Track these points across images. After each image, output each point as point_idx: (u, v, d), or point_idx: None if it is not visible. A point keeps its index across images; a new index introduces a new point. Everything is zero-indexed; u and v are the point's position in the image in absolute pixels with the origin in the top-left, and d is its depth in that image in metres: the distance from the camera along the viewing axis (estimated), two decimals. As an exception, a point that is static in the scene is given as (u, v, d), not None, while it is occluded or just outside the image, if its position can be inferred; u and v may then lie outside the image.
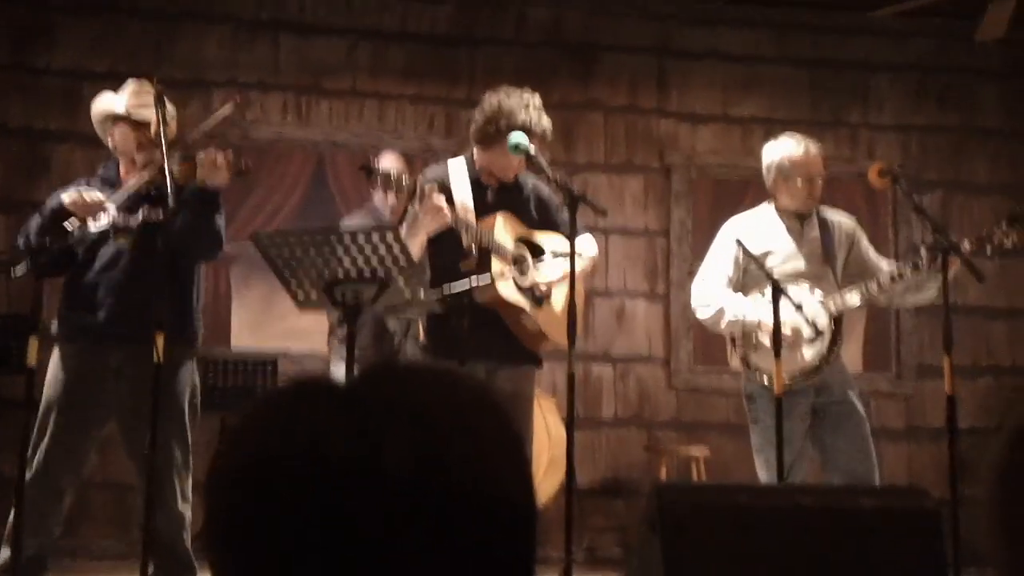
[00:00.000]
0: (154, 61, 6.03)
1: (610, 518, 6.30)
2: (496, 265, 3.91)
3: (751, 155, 4.91)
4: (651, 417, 6.46)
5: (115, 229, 3.80)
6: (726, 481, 5.91)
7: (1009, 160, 6.94)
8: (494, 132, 4.00)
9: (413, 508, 0.81)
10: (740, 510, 2.62)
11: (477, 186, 4.08)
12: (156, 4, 6.31)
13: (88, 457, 3.89)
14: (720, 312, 4.35)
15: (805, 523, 2.65)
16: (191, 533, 3.92)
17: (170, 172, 3.54)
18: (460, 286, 3.67)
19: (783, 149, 4.44)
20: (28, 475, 3.63)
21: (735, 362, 4.43)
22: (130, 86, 4.00)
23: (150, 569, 3.52)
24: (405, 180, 3.77)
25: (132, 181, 3.86)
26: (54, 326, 3.89)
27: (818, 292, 4.33)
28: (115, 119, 3.98)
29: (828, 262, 4.43)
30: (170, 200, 3.49)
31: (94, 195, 3.79)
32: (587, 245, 4.22)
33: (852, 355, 6.02)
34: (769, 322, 4.05)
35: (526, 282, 4.01)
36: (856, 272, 4.45)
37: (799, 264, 4.39)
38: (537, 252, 4.07)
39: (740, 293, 4.40)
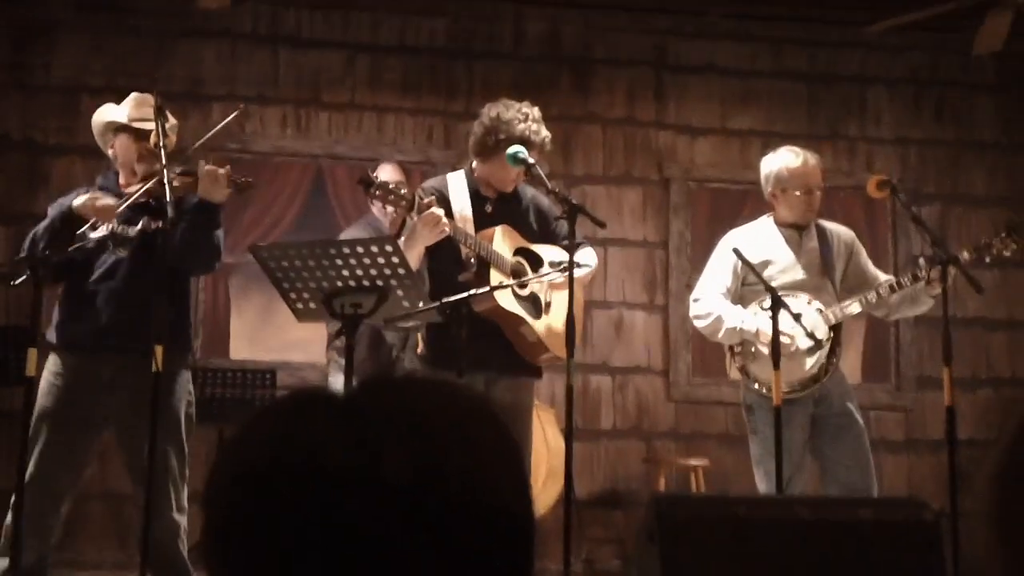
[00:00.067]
0: (152, 75, 6.04)
1: (609, 529, 6.29)
2: (495, 276, 3.91)
3: (749, 167, 4.93)
4: (650, 428, 6.45)
5: (114, 239, 3.80)
6: (725, 492, 5.90)
7: (1006, 172, 6.95)
8: (493, 144, 4.01)
9: (411, 518, 0.81)
10: (739, 521, 2.62)
11: (476, 198, 4.09)
12: (155, 18, 6.32)
13: (84, 466, 3.88)
14: (718, 321, 4.35)
15: (804, 534, 2.64)
16: (188, 543, 3.92)
17: (169, 184, 3.55)
18: (459, 297, 3.68)
19: (781, 161, 4.45)
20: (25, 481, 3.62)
21: (734, 372, 4.44)
22: (132, 97, 4.02)
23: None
24: (404, 192, 3.78)
25: (132, 188, 3.87)
26: (48, 335, 3.89)
27: (816, 303, 4.33)
28: (116, 129, 3.99)
29: (827, 273, 4.44)
30: (169, 211, 3.49)
31: (107, 200, 3.80)
32: (587, 257, 4.23)
33: (851, 366, 6.01)
34: (767, 332, 4.06)
35: (525, 293, 4.01)
36: (855, 284, 4.46)
37: (798, 275, 4.39)
38: (536, 263, 4.07)
39: (738, 305, 4.40)
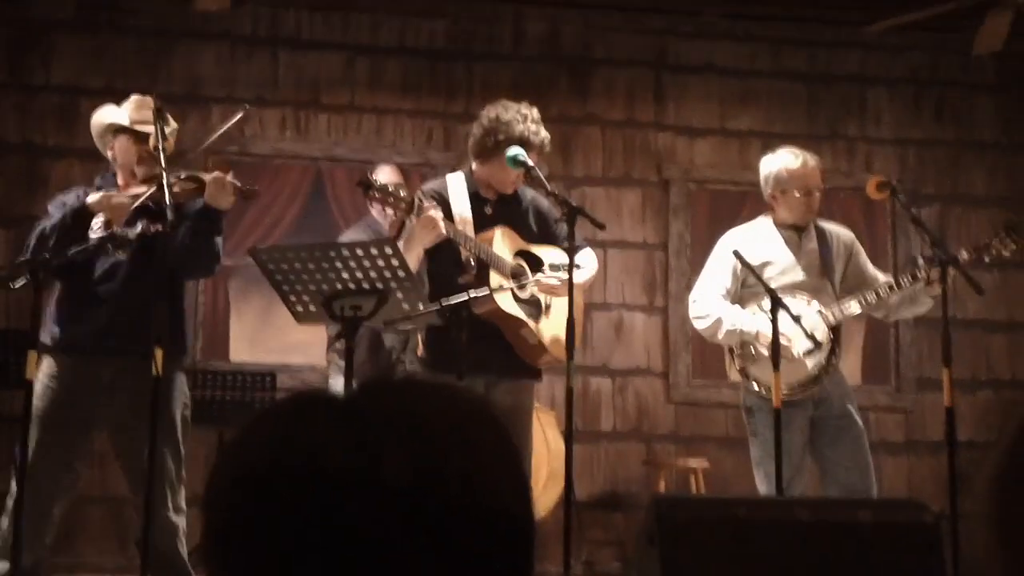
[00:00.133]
0: (151, 77, 6.05)
1: (609, 531, 6.29)
2: (494, 278, 3.91)
3: (748, 168, 4.93)
4: (650, 430, 6.45)
5: (113, 241, 3.80)
6: (725, 494, 5.90)
7: (1006, 172, 6.95)
8: (492, 145, 4.01)
9: (411, 520, 0.81)
10: (738, 523, 2.62)
11: (476, 199, 4.09)
12: (153, 20, 6.32)
13: (78, 468, 3.88)
14: (718, 323, 4.35)
15: (803, 536, 2.64)
16: (189, 546, 3.92)
17: (169, 187, 3.55)
18: (458, 299, 3.68)
19: (781, 162, 4.45)
20: (15, 487, 3.62)
21: (734, 374, 4.43)
22: (133, 99, 4.01)
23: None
24: (403, 194, 3.78)
25: (138, 190, 3.86)
26: (42, 336, 3.87)
27: (816, 304, 4.33)
28: (116, 131, 3.98)
29: (826, 274, 4.43)
30: (168, 214, 3.49)
31: (121, 198, 3.80)
32: (587, 259, 4.22)
33: (851, 368, 6.02)
34: (767, 333, 4.05)
35: (525, 295, 4.01)
36: (854, 284, 4.46)
37: (797, 276, 4.39)
38: (536, 265, 4.07)
39: (737, 305, 4.40)
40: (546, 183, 3.87)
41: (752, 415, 4.37)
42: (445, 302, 3.65)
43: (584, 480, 6.10)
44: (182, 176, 3.82)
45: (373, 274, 3.44)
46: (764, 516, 2.72)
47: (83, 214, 3.77)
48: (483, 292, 3.77)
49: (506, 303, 3.91)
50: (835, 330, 4.33)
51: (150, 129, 3.80)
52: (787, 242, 4.45)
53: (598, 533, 6.24)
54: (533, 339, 4.00)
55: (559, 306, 4.02)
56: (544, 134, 4.06)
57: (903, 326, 6.56)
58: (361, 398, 0.89)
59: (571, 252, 3.73)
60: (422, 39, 6.59)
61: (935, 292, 4.25)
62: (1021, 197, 6.84)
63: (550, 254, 4.12)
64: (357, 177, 4.05)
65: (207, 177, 3.81)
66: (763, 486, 4.30)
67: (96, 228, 3.75)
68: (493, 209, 4.11)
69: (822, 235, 4.50)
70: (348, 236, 5.18)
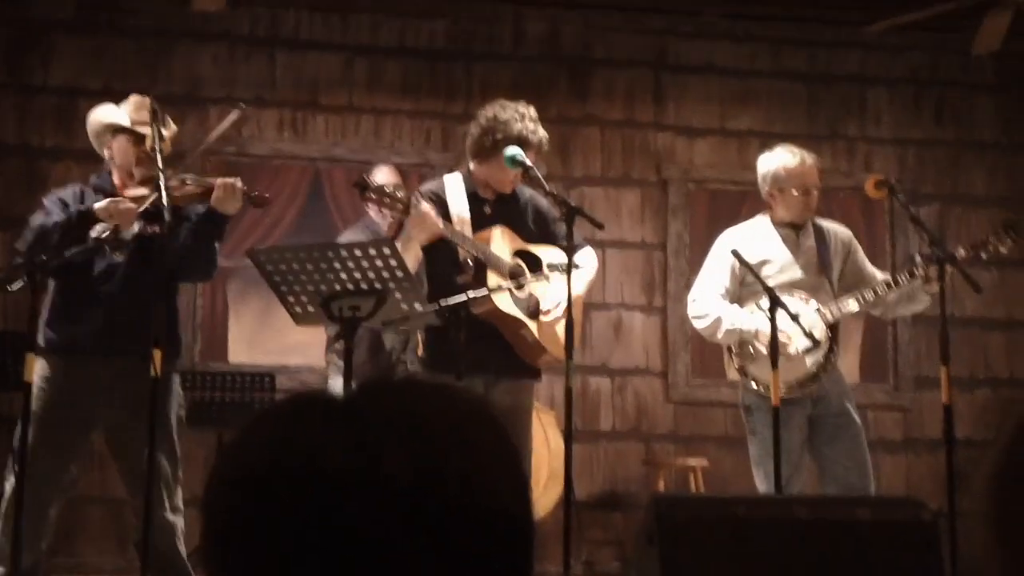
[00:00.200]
0: (149, 78, 6.04)
1: (608, 531, 6.29)
2: (492, 278, 3.91)
3: (748, 168, 4.92)
4: (649, 430, 6.45)
5: (110, 242, 3.80)
6: (724, 493, 5.90)
7: (1006, 172, 6.95)
8: (490, 145, 4.01)
9: (411, 521, 0.81)
10: (738, 521, 2.63)
11: (474, 200, 4.08)
12: (151, 21, 6.32)
13: (73, 469, 3.87)
14: (717, 322, 4.35)
15: (803, 534, 2.65)
16: (188, 547, 3.92)
17: (167, 189, 3.55)
18: (456, 299, 3.68)
19: (779, 160, 4.45)
20: (11, 488, 3.62)
21: (732, 373, 4.44)
22: (133, 99, 4.00)
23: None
24: (400, 195, 3.78)
25: (132, 192, 3.86)
26: (39, 338, 3.86)
27: (814, 302, 4.33)
28: (116, 130, 3.97)
29: (824, 272, 4.44)
30: (165, 215, 3.49)
31: (128, 204, 3.79)
32: (588, 259, 4.22)
33: (849, 366, 6.01)
34: (766, 331, 4.06)
35: (524, 294, 4.01)
36: (852, 282, 4.46)
37: (795, 274, 4.40)
38: (535, 265, 4.07)
39: (736, 304, 4.40)
40: (544, 183, 3.87)
41: (751, 414, 4.38)
42: (444, 302, 3.65)
43: (584, 480, 6.10)
44: (188, 180, 3.82)
45: (371, 275, 3.44)
46: (763, 515, 2.72)
47: (89, 219, 3.76)
48: (481, 292, 3.77)
49: (504, 303, 3.91)
50: (833, 328, 4.33)
51: (150, 130, 3.80)
52: (785, 240, 4.45)
53: (598, 533, 6.24)
54: (532, 338, 4.00)
55: (558, 305, 4.02)
56: (542, 133, 4.06)
57: (901, 324, 6.56)
58: (360, 399, 0.89)
59: (569, 251, 3.73)
60: (421, 39, 6.58)
61: (933, 290, 4.26)
62: (1021, 197, 6.84)
63: (549, 254, 4.11)
64: (355, 178, 4.05)
65: (217, 181, 3.80)
66: (762, 485, 4.30)
67: (97, 230, 3.75)
68: (492, 209, 4.11)
69: (820, 233, 4.50)
70: (346, 237, 5.18)
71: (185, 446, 3.97)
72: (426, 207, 3.80)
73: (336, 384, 4.91)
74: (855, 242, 4.59)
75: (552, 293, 4.05)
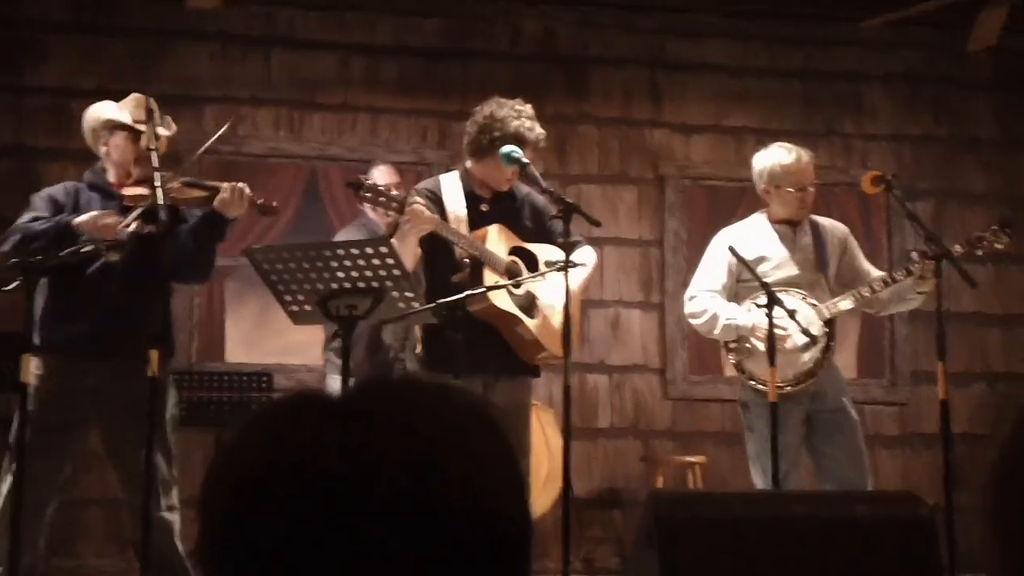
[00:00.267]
0: (144, 77, 6.02)
1: (607, 528, 6.29)
2: (489, 276, 3.90)
3: (744, 165, 4.92)
4: (647, 427, 6.46)
5: (106, 243, 3.79)
6: (722, 489, 5.90)
7: (1002, 169, 6.96)
8: (487, 143, 4.00)
9: (407, 521, 0.81)
10: (736, 518, 2.63)
11: (471, 198, 4.08)
12: (146, 20, 6.31)
13: (66, 470, 3.86)
14: (714, 318, 4.36)
15: (800, 530, 2.65)
16: (185, 546, 3.91)
17: (164, 189, 3.54)
18: (454, 298, 3.67)
19: (774, 157, 4.45)
20: (8, 489, 3.61)
21: (730, 369, 4.45)
22: (133, 98, 3.99)
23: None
24: (394, 194, 3.78)
25: (132, 191, 3.85)
26: (35, 337, 3.85)
27: (810, 299, 4.34)
28: (115, 127, 3.96)
29: (821, 269, 4.44)
30: (161, 214, 3.49)
31: (107, 219, 3.77)
32: (586, 256, 4.22)
33: (846, 362, 6.02)
34: (763, 327, 4.06)
35: (521, 292, 4.01)
36: (849, 279, 4.47)
37: (792, 271, 4.40)
38: (532, 262, 4.07)
39: (733, 302, 4.41)
40: (541, 180, 3.87)
41: (748, 410, 4.38)
42: (441, 301, 3.65)
43: (582, 477, 6.11)
44: (194, 182, 3.82)
45: (368, 273, 3.43)
46: (761, 511, 2.72)
47: (68, 234, 3.74)
48: (479, 291, 3.77)
49: (501, 300, 3.91)
50: (830, 324, 4.34)
51: (148, 129, 3.79)
52: (781, 237, 4.46)
53: (597, 530, 6.25)
54: (529, 336, 4.00)
55: (556, 302, 4.02)
56: (539, 130, 4.06)
57: (898, 320, 6.57)
58: (357, 398, 0.89)
59: (567, 249, 3.72)
60: (417, 38, 6.58)
61: (923, 289, 4.27)
62: (1017, 193, 6.85)
63: (546, 251, 4.11)
64: (352, 177, 4.05)
65: (225, 185, 3.80)
66: (759, 481, 4.31)
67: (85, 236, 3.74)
68: (489, 207, 4.11)
69: (816, 230, 4.50)
70: (343, 236, 5.18)
71: (182, 446, 3.97)
72: (419, 203, 3.79)
73: (334, 383, 4.91)
74: (851, 239, 4.59)
75: (549, 290, 4.04)
